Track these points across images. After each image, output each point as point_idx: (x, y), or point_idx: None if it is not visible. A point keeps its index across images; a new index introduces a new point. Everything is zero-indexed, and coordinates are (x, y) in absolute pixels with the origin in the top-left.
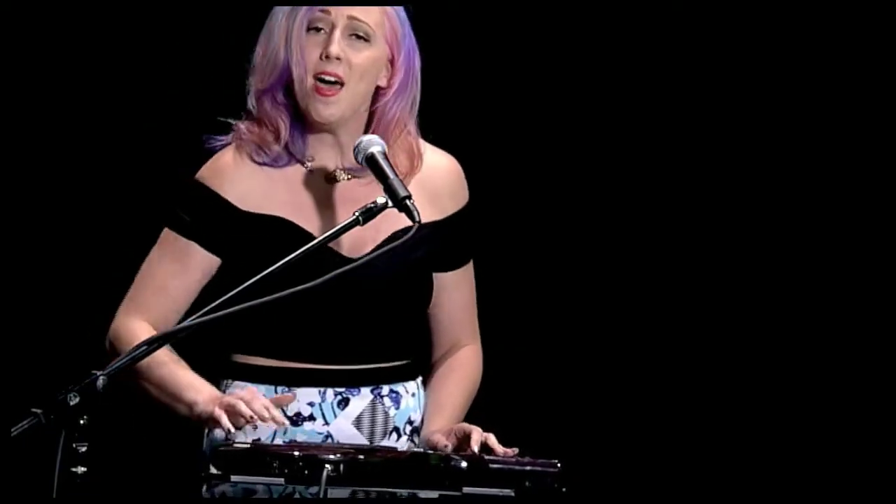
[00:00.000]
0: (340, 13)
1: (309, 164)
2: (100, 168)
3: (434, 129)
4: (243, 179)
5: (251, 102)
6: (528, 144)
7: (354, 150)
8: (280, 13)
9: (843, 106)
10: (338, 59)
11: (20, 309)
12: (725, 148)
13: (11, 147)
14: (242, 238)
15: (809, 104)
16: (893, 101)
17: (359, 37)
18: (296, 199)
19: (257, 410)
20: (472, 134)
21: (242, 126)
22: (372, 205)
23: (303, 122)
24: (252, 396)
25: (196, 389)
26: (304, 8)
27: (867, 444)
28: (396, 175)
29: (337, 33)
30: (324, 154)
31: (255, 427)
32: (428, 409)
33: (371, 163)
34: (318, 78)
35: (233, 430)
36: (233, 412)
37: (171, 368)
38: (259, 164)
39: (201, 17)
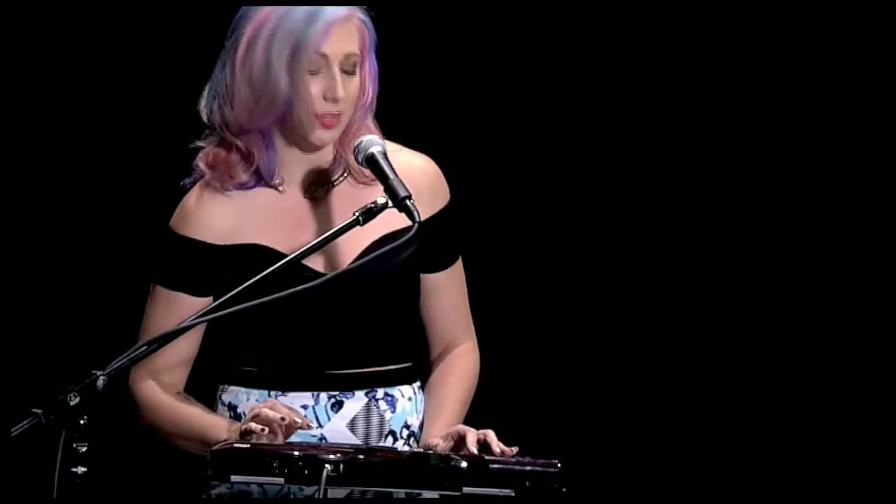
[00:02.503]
0: (336, 53)
1: (281, 187)
2: (99, 169)
3: (417, 128)
4: (214, 217)
5: (217, 123)
6: (516, 140)
7: (354, 150)
8: (267, 48)
9: (844, 106)
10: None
11: (20, 309)
12: (717, 138)
13: (12, 148)
14: (225, 273)
15: (809, 104)
16: (893, 101)
17: (349, 71)
18: (271, 224)
19: (283, 412)
20: (458, 131)
21: (201, 163)
22: (372, 205)
23: (277, 143)
24: (273, 404)
25: (220, 428)
26: (306, 48)
27: (867, 444)
28: (396, 175)
29: (336, 74)
30: (296, 174)
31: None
32: (426, 414)
33: (371, 163)
34: (323, 115)
35: (266, 431)
36: (262, 420)
37: (189, 414)
38: (226, 193)
39: (184, 49)
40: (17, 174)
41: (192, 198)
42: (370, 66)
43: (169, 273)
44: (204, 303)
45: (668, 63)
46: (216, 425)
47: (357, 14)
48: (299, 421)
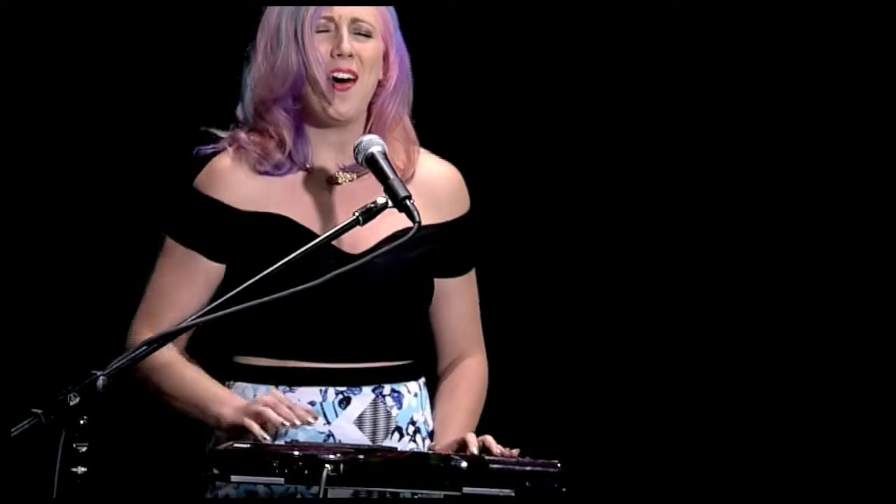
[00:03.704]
0: (343, 15)
1: (309, 167)
2: (99, 169)
3: (439, 137)
4: (241, 182)
5: (250, 113)
6: (527, 153)
7: (354, 149)
8: (278, 20)
9: (844, 106)
10: (350, 55)
11: (20, 309)
12: (726, 148)
13: (13, 148)
14: (245, 238)
15: (809, 104)
16: (893, 101)
17: (361, 34)
18: (296, 199)
19: (285, 415)
20: (475, 142)
21: (242, 135)
22: (372, 205)
23: (306, 127)
24: (276, 401)
25: (220, 401)
26: (308, 12)
27: (867, 444)
28: (396, 175)
29: (344, 31)
30: (324, 156)
31: (286, 431)
32: (435, 427)
33: (371, 163)
34: (333, 76)
35: (268, 438)
36: (262, 420)
37: (193, 380)
38: (260, 172)
39: (194, 24)
40: (17, 175)
41: (220, 161)
42: (397, 52)
43: (188, 231)
44: (217, 269)
45: (680, 73)
46: (218, 398)
47: None
48: (297, 421)
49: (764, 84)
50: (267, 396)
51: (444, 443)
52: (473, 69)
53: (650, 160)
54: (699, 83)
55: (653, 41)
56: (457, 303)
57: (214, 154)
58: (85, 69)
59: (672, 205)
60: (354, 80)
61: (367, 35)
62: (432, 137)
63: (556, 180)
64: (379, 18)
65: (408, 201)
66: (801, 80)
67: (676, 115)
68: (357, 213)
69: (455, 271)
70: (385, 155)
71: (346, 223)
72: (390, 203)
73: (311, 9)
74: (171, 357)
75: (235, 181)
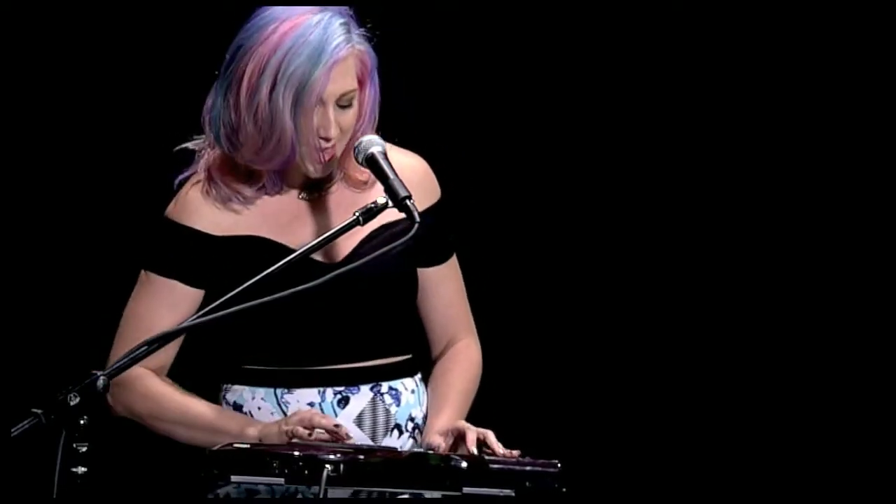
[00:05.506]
0: (333, 93)
1: (278, 187)
2: (100, 170)
3: (414, 124)
4: (213, 209)
5: (225, 149)
6: (516, 140)
7: (355, 150)
8: (271, 96)
9: (843, 106)
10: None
11: (20, 309)
12: (717, 138)
13: (13, 148)
14: (222, 263)
15: (809, 104)
16: (893, 101)
17: (344, 106)
18: (270, 219)
19: (326, 425)
20: (457, 130)
21: (212, 170)
22: (372, 205)
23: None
24: (315, 413)
25: (233, 416)
26: (307, 97)
27: (867, 444)
28: (396, 175)
29: (331, 113)
30: (294, 177)
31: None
32: (429, 408)
33: (371, 163)
34: (313, 146)
35: (312, 437)
36: (309, 425)
37: (197, 405)
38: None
39: (187, 32)
40: (16, 175)
41: (190, 190)
42: (371, 91)
43: (164, 261)
44: (195, 294)
45: (661, 60)
46: (229, 414)
47: (357, 46)
48: (342, 434)
49: (761, 84)
50: (303, 412)
51: (436, 425)
52: (445, 55)
53: (642, 148)
54: (679, 70)
55: (632, 27)
56: (442, 291)
57: (184, 182)
58: (82, 72)
59: (671, 197)
60: (333, 148)
61: (349, 103)
62: (405, 124)
63: (553, 179)
64: (363, 73)
65: (408, 201)
66: (800, 80)
67: (662, 102)
68: (357, 213)
69: (436, 260)
70: (385, 155)
71: (345, 223)
72: (390, 203)
73: (312, 90)
74: (161, 385)
75: (207, 208)
